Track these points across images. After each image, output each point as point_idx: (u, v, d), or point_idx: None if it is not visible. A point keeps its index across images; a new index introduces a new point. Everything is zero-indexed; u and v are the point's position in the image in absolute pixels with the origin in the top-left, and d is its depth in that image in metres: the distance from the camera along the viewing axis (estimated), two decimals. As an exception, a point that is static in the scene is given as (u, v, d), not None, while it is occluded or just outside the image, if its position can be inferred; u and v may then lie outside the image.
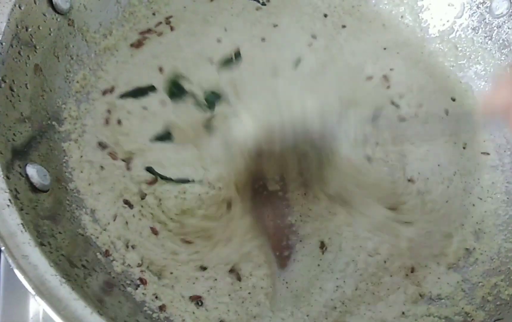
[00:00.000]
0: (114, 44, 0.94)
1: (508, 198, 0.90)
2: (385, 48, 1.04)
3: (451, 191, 0.89)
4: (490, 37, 1.00)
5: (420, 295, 0.79)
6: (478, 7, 1.02)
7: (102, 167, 0.82)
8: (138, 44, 0.95)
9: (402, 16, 1.09)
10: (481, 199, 0.90)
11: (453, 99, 1.00)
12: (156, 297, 0.73)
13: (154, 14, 1.00)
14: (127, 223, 0.78)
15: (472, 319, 0.76)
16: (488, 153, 0.95)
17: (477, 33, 1.03)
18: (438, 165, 0.91)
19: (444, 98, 0.99)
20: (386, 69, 1.00)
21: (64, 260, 0.64)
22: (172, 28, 0.99)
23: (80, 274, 0.65)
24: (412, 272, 0.81)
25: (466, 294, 0.81)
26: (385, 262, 0.81)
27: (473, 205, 0.89)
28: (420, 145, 0.92)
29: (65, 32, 0.86)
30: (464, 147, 0.95)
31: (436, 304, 0.80)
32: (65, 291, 0.56)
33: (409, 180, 0.89)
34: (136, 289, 0.72)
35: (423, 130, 0.93)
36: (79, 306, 0.55)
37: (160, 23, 0.99)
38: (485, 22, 1.01)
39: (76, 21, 0.88)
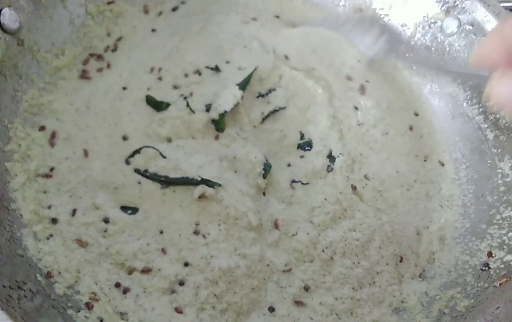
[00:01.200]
0: (66, 64, 0.92)
1: (464, 211, 0.90)
2: (359, 60, 1.05)
3: (412, 194, 0.91)
4: (443, 55, 1.03)
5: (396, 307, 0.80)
6: (430, 27, 1.04)
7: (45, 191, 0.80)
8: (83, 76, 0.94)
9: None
10: (441, 206, 0.91)
11: (416, 114, 1.02)
12: (101, 320, 0.70)
13: (108, 34, 0.99)
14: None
15: (429, 333, 0.74)
16: (443, 164, 0.96)
17: (430, 51, 1.05)
18: (397, 172, 0.91)
19: (408, 114, 1.01)
20: (363, 79, 1.02)
21: (-3, 280, 0.61)
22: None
23: (14, 295, 0.61)
24: (401, 261, 0.83)
25: (423, 307, 0.79)
26: (380, 248, 0.82)
27: (435, 211, 0.90)
28: (379, 152, 0.93)
29: (14, 52, 0.85)
30: (425, 160, 0.96)
31: (395, 319, 0.78)
32: (-8, 311, 0.53)
33: (364, 176, 0.90)
34: (78, 312, 0.69)
35: (382, 139, 0.94)
36: (7, 327, 0.52)
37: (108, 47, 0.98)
38: (438, 40, 1.03)
39: (26, 41, 0.87)
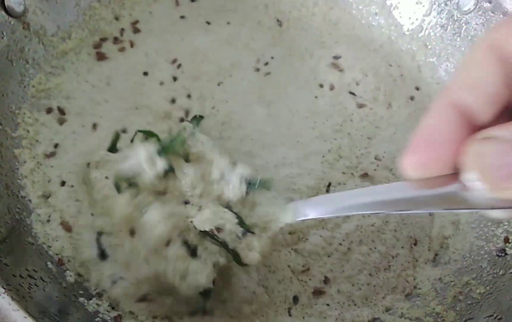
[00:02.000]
0: (73, 48, 0.91)
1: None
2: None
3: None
4: (459, 34, 0.99)
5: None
6: (446, 4, 1.01)
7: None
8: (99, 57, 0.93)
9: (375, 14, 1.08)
10: None
11: (417, 88, 1.00)
12: (112, 308, 0.70)
13: (116, 18, 0.97)
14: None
15: (443, 320, 0.73)
16: None
17: (446, 30, 1.01)
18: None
19: (407, 86, 1.00)
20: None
21: (8, 269, 0.60)
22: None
23: (24, 284, 0.61)
24: (415, 244, 0.82)
25: (438, 293, 0.78)
26: (395, 230, 0.82)
27: None
28: (386, 129, 0.91)
29: (20, 36, 0.83)
30: None
31: (408, 305, 0.77)
32: (4, 301, 0.53)
33: (375, 157, 0.89)
34: (90, 299, 0.68)
35: (387, 114, 0.92)
36: (19, 316, 0.52)
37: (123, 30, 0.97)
38: (454, 19, 1.00)
39: (31, 24, 0.85)
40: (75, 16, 0.93)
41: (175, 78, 0.93)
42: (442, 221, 0.85)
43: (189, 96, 0.91)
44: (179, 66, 0.94)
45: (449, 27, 1.01)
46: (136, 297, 0.69)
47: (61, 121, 0.85)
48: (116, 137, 0.81)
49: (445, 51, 1.02)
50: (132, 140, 0.80)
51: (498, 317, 0.68)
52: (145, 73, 0.92)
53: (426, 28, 1.04)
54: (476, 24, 0.96)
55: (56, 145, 0.82)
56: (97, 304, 0.69)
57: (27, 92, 0.84)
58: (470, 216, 0.87)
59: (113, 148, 0.80)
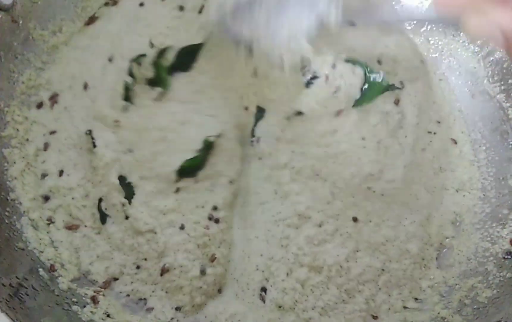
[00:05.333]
0: (64, 42, 0.87)
1: (484, 195, 0.86)
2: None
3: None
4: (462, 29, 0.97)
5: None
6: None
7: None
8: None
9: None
10: (457, 191, 0.87)
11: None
12: (108, 315, 0.67)
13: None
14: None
15: (449, 325, 0.71)
16: (456, 142, 0.91)
17: (448, 25, 0.99)
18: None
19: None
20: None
21: (-5, 278, 0.57)
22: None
23: (15, 294, 0.58)
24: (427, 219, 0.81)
25: (442, 297, 0.76)
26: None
27: (448, 189, 0.86)
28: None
29: (9, 30, 0.79)
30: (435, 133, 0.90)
31: (411, 310, 0.75)
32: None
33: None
34: (84, 307, 0.66)
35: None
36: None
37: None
38: (457, 13, 0.98)
39: (21, 17, 0.81)
40: (66, 9, 0.89)
41: None
42: (440, 220, 0.83)
43: None
44: None
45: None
46: None
47: (53, 104, 0.82)
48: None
49: (447, 47, 0.99)
50: None
51: (507, 322, 0.66)
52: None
53: (428, 23, 1.02)
54: None
55: (52, 133, 0.79)
56: (91, 312, 0.66)
57: (16, 89, 0.80)
58: (474, 216, 0.85)
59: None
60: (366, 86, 0.83)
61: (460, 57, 0.97)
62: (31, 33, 0.83)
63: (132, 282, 0.72)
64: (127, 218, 0.72)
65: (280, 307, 0.73)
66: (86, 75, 0.83)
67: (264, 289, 0.73)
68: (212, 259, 0.72)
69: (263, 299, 0.73)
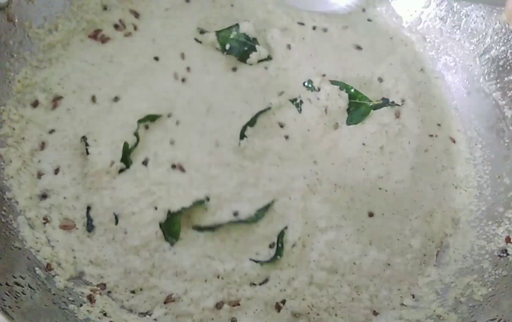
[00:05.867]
0: (60, 40, 0.87)
1: (480, 193, 0.86)
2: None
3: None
4: (458, 27, 0.97)
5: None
6: (446, -4, 0.98)
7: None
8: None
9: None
10: (456, 187, 0.88)
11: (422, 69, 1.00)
12: (104, 314, 0.67)
13: (105, 8, 0.93)
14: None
15: (444, 322, 0.72)
16: (454, 141, 0.92)
17: (445, 23, 0.99)
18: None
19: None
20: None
21: (-8, 278, 0.57)
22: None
23: (11, 293, 0.58)
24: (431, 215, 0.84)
25: (438, 295, 0.76)
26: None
27: (449, 186, 0.88)
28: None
29: (4, 28, 0.79)
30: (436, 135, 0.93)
31: (407, 308, 0.75)
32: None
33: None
34: (80, 306, 0.66)
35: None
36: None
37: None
38: (453, 11, 0.98)
39: (16, 16, 0.81)
40: (62, 7, 0.89)
41: None
42: (442, 216, 0.84)
43: None
44: None
45: (448, 19, 0.98)
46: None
47: (55, 106, 0.82)
48: (126, 148, 0.79)
49: (444, 45, 1.00)
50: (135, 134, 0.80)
51: (501, 320, 0.67)
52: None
53: (425, 21, 1.02)
54: (477, 16, 0.94)
55: (51, 131, 0.80)
56: (88, 311, 0.66)
57: (12, 88, 0.80)
58: (470, 214, 0.85)
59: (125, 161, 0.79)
60: (352, 108, 0.90)
61: (456, 55, 0.98)
62: (27, 31, 0.83)
63: (128, 300, 0.71)
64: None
65: (295, 315, 0.73)
66: (96, 91, 0.84)
67: (283, 301, 0.73)
68: (235, 303, 0.72)
69: (278, 309, 0.73)
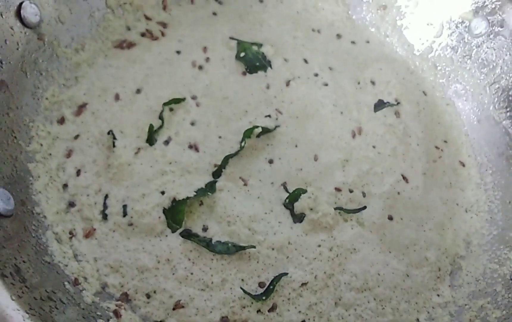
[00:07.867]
0: (86, 59, 0.90)
1: (491, 217, 0.89)
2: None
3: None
4: (469, 57, 1.01)
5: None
6: (457, 27, 1.02)
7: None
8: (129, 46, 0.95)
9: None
10: (466, 211, 0.91)
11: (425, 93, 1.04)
12: (131, 328, 0.68)
13: (129, 28, 0.96)
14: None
15: (461, 345, 0.73)
16: (463, 165, 0.95)
17: (456, 52, 1.03)
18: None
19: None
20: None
21: (28, 292, 0.59)
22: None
23: (46, 307, 0.59)
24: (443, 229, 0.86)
25: (453, 317, 0.78)
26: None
27: (460, 206, 0.91)
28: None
29: (34, 47, 0.82)
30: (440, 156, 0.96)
31: (423, 328, 0.77)
32: (28, 327, 0.51)
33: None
34: (108, 321, 0.67)
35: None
36: (44, 343, 0.50)
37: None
38: (464, 41, 1.01)
39: (46, 35, 0.84)
40: (89, 27, 0.92)
41: None
42: (454, 233, 0.86)
43: None
44: None
45: (459, 49, 1.02)
46: None
47: (80, 113, 0.85)
48: (152, 129, 0.84)
49: (454, 73, 1.03)
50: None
51: (516, 343, 0.69)
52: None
53: (436, 49, 1.05)
54: (488, 47, 0.97)
55: (76, 137, 0.83)
56: (115, 325, 0.67)
57: (40, 105, 0.82)
58: (481, 238, 0.88)
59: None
60: None
61: (467, 84, 1.01)
62: (56, 50, 0.86)
63: (145, 307, 0.72)
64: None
65: None
66: (119, 89, 0.89)
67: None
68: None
69: None
